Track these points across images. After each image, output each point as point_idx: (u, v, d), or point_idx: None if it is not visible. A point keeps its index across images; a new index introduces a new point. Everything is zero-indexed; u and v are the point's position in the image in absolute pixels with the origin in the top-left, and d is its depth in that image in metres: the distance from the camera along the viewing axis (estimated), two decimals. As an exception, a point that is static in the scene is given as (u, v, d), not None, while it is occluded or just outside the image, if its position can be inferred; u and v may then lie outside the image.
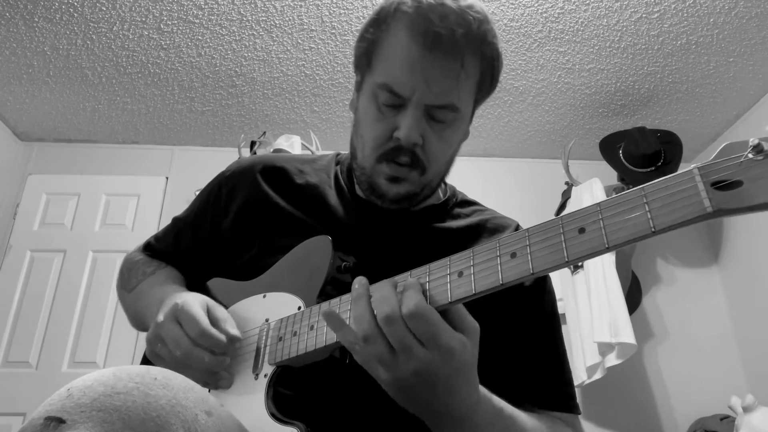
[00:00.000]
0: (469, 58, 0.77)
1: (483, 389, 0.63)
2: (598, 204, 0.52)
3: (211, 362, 0.71)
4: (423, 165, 0.82)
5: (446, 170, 0.89)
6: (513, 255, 0.56)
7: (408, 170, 0.82)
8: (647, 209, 0.49)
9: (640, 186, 0.50)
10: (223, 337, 0.72)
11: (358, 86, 0.87)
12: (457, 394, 0.59)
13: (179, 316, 0.72)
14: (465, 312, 0.60)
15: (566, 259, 0.52)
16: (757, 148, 0.45)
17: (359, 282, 0.61)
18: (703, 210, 0.46)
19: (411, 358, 0.56)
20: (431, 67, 0.75)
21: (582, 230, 0.52)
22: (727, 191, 0.45)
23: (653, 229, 0.48)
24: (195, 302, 0.74)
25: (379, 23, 0.80)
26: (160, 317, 0.74)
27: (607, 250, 0.50)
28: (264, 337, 0.75)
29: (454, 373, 0.58)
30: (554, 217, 0.55)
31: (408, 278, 0.62)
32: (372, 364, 0.59)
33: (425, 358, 0.56)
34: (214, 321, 0.74)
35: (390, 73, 0.78)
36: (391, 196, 0.84)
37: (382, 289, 0.59)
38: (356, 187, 0.94)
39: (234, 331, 0.74)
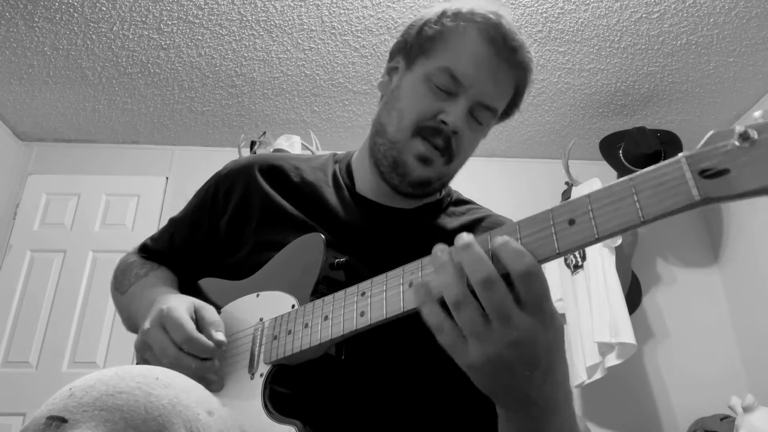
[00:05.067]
0: (522, 77, 0.87)
1: None
2: (588, 195, 0.52)
3: (198, 368, 0.71)
4: (452, 155, 0.85)
5: (459, 170, 0.92)
6: None
7: (439, 155, 0.85)
8: (636, 199, 0.49)
9: (629, 176, 0.50)
10: (209, 343, 0.71)
11: (400, 69, 0.90)
12: (554, 375, 0.53)
13: (164, 323, 0.72)
14: None
15: (557, 251, 0.52)
16: (744, 136, 0.44)
17: (440, 249, 0.54)
18: (691, 198, 0.46)
19: (509, 325, 0.49)
20: (495, 70, 0.83)
21: (572, 221, 0.52)
22: (715, 179, 0.45)
23: (642, 219, 0.48)
24: (181, 307, 0.74)
25: (450, 17, 0.86)
26: (146, 324, 0.73)
27: (597, 240, 0.50)
28: (259, 337, 0.75)
29: (554, 346, 0.52)
30: (544, 210, 0.54)
31: (401, 278, 0.60)
32: (458, 343, 0.51)
33: (526, 324, 0.50)
34: (201, 324, 0.74)
35: (456, 61, 0.83)
36: (413, 177, 0.85)
37: (471, 250, 0.51)
38: (356, 184, 0.94)
39: (220, 335, 0.73)
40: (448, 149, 0.84)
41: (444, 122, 0.82)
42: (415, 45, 0.88)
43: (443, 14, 0.86)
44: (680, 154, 0.48)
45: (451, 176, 0.91)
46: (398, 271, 0.63)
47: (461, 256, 0.52)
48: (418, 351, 0.75)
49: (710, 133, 0.47)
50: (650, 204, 0.48)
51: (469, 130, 0.85)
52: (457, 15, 0.85)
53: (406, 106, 0.86)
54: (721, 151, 0.45)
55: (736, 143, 0.45)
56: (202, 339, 0.71)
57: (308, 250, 0.78)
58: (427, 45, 0.86)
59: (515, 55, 0.83)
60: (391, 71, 0.93)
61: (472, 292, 0.51)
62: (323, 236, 0.78)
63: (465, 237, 0.53)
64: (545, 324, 0.51)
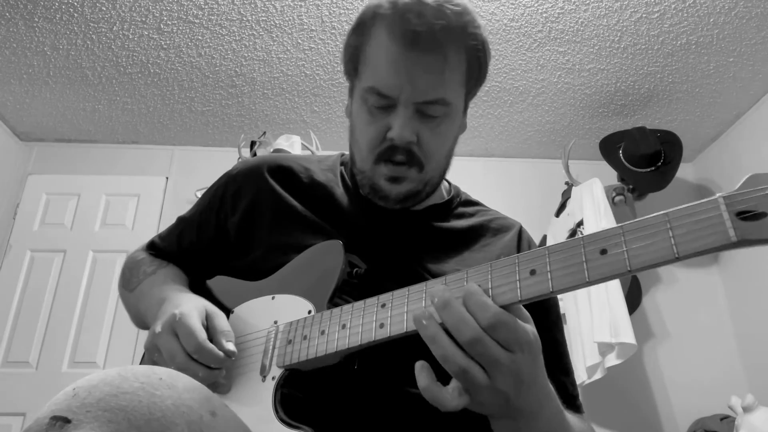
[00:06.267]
0: (451, 51, 0.78)
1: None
2: (621, 226, 0.52)
3: (205, 377, 0.70)
4: (420, 162, 0.83)
5: (446, 165, 0.90)
6: (533, 272, 0.55)
7: (406, 168, 0.83)
8: (671, 235, 0.48)
9: (664, 211, 0.50)
10: (219, 353, 0.71)
11: (350, 92, 0.89)
12: (537, 383, 0.59)
13: (176, 329, 0.71)
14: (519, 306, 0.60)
15: (587, 280, 0.52)
16: None
17: (426, 316, 0.58)
18: (728, 239, 0.46)
19: (498, 367, 0.55)
20: (414, 66, 0.77)
21: (604, 251, 0.52)
22: (752, 222, 0.45)
23: (677, 256, 0.48)
24: (193, 313, 0.73)
25: (359, 30, 0.82)
26: (158, 328, 0.73)
27: (629, 273, 0.50)
28: (273, 339, 0.75)
29: (536, 363, 0.58)
30: (575, 237, 0.54)
31: (423, 295, 0.61)
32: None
33: (512, 358, 0.55)
34: (212, 333, 0.73)
35: (375, 77, 0.79)
36: (393, 197, 0.85)
37: (454, 310, 0.55)
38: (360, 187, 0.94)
39: (230, 346, 0.73)
40: (413, 159, 0.82)
41: (393, 138, 0.80)
42: (347, 66, 0.87)
43: (357, 26, 0.83)
44: (717, 195, 0.47)
45: (436, 177, 0.88)
46: (420, 286, 0.63)
47: (444, 317, 0.56)
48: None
49: (748, 175, 0.47)
50: (685, 241, 0.48)
51: (427, 130, 0.81)
52: (367, 19, 0.81)
53: (359, 136, 0.85)
54: (759, 194, 0.46)
55: None
56: (212, 349, 0.70)
57: (327, 256, 0.78)
58: (351, 66, 0.85)
59: (427, 39, 0.75)
60: (349, 92, 0.91)
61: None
62: (342, 243, 0.77)
63: (442, 294, 0.56)
64: (524, 351, 0.56)
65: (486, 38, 0.83)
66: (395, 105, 0.79)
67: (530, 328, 0.58)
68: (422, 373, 0.57)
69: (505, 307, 0.56)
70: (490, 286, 0.57)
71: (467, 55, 0.80)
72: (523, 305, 0.81)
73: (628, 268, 0.50)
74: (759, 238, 0.45)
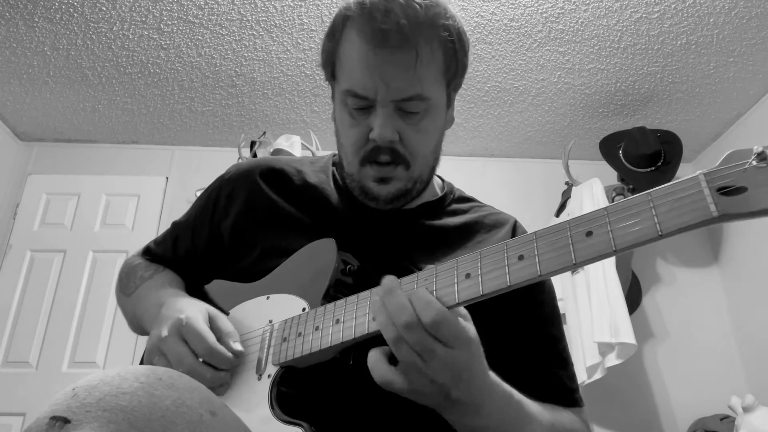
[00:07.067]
0: (422, 46, 0.77)
1: (493, 374, 0.66)
2: (605, 208, 0.53)
3: (213, 379, 0.72)
4: (406, 160, 0.83)
5: (434, 160, 0.89)
6: (521, 257, 0.56)
7: (392, 168, 0.83)
8: (654, 213, 0.50)
9: (647, 191, 0.51)
10: (229, 354, 0.73)
11: (333, 97, 0.90)
12: (476, 378, 0.62)
13: (184, 333, 0.72)
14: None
15: (574, 262, 0.53)
16: (761, 156, 0.46)
17: (375, 292, 0.64)
18: (709, 214, 0.47)
19: (435, 358, 0.58)
20: (384, 64, 0.77)
21: (589, 233, 0.53)
22: (732, 197, 0.46)
23: (660, 233, 0.49)
24: (199, 317, 0.74)
25: (332, 34, 0.83)
26: (164, 332, 0.73)
27: (614, 253, 0.51)
28: (268, 338, 0.76)
29: (474, 359, 0.61)
30: (561, 221, 0.56)
31: (415, 285, 0.63)
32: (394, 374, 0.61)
33: (449, 354, 0.58)
34: (217, 334, 0.74)
35: (351, 79, 0.80)
36: (383, 197, 0.85)
37: (396, 298, 0.60)
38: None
39: (238, 346, 0.75)
40: (399, 158, 0.82)
41: (374, 139, 0.80)
42: (326, 72, 0.87)
43: (329, 31, 0.84)
44: (698, 171, 0.49)
45: (425, 173, 0.88)
46: (412, 277, 0.64)
47: (386, 301, 0.60)
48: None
49: (728, 152, 0.49)
50: (668, 218, 0.49)
51: (408, 128, 0.81)
52: (338, 23, 0.82)
53: (343, 140, 0.86)
54: (738, 169, 0.47)
55: (754, 163, 0.46)
56: (223, 351, 0.72)
57: (321, 254, 0.78)
58: (329, 71, 0.86)
59: (396, 36, 0.75)
60: (332, 98, 0.91)
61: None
62: (335, 241, 0.78)
63: (388, 283, 0.61)
64: (462, 348, 0.59)
65: (460, 28, 0.83)
66: (374, 105, 0.80)
67: (470, 326, 0.61)
68: (374, 354, 0.62)
69: (449, 308, 0.60)
70: (479, 273, 0.59)
71: (441, 47, 0.80)
72: (520, 304, 0.81)
73: (614, 248, 0.51)
74: (739, 212, 0.46)
